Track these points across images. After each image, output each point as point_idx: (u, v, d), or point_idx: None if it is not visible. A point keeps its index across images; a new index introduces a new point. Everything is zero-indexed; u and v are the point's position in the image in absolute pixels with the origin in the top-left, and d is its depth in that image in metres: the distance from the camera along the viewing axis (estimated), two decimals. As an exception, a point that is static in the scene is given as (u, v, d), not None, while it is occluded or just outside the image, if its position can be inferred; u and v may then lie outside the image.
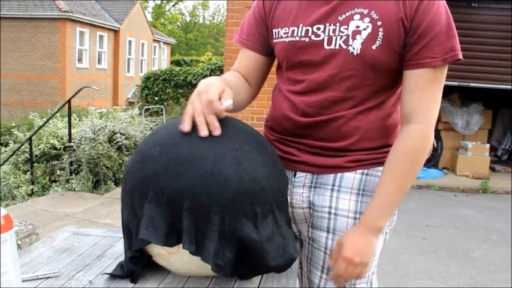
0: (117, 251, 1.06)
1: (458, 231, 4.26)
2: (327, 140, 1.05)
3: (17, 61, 14.36)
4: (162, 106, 9.97)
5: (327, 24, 0.99)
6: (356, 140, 1.03)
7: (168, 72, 11.22)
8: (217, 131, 0.86)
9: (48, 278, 0.92)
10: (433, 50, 0.94)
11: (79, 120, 6.35)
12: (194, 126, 0.88)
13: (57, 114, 6.20)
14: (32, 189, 5.34)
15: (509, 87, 6.09)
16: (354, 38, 0.96)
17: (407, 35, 0.95)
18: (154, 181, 0.83)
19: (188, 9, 40.06)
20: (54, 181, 5.43)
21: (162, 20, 35.92)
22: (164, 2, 35.68)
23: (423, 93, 0.96)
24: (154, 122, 6.52)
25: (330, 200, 1.07)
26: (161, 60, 22.59)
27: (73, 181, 5.18)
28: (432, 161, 6.74)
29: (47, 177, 5.47)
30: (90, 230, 1.21)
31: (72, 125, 5.64)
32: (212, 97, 0.86)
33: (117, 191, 5.24)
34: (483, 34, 6.01)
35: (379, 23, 0.95)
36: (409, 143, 0.97)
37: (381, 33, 0.95)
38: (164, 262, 0.90)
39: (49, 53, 14.24)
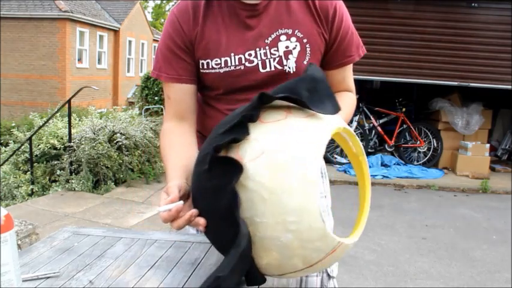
0: (117, 251, 1.06)
1: (458, 231, 4.26)
2: None
3: (17, 61, 14.35)
4: (162, 106, 9.97)
5: (257, 49, 1.05)
6: None
7: (168, 72, 11.19)
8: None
9: (48, 278, 0.92)
10: (350, 50, 1.12)
11: (79, 120, 6.35)
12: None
13: (57, 114, 6.20)
14: (32, 189, 5.34)
15: (509, 87, 6.09)
16: (287, 58, 1.05)
17: (328, 45, 1.09)
18: None
19: (188, 9, 40.03)
20: (54, 181, 5.42)
21: (162, 20, 35.93)
22: (164, 2, 35.71)
23: (349, 78, 1.18)
24: (154, 122, 6.51)
25: None
26: (161, 60, 22.55)
27: (73, 181, 5.18)
28: (432, 161, 6.75)
29: (47, 177, 5.47)
30: (90, 230, 1.21)
31: (72, 125, 5.64)
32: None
33: (117, 191, 5.24)
34: (483, 34, 6.02)
35: (305, 40, 1.06)
36: (352, 102, 1.18)
37: (308, 49, 1.06)
38: None
39: (49, 53, 14.24)
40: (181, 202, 0.84)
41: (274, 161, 0.76)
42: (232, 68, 1.05)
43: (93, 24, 15.55)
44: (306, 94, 0.81)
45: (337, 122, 0.84)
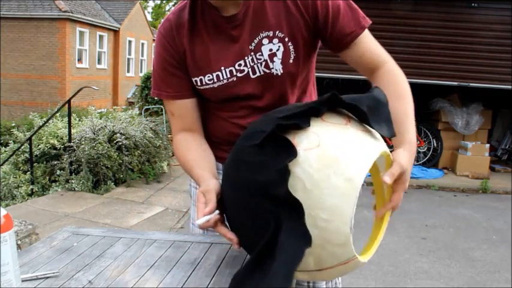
0: (116, 251, 1.06)
1: (458, 231, 4.26)
2: None
3: (17, 61, 14.36)
4: (162, 106, 9.98)
5: (246, 58, 1.05)
6: None
7: (168, 72, 11.17)
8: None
9: (47, 278, 0.92)
10: (349, 26, 1.04)
11: (79, 120, 6.35)
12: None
13: (57, 114, 6.20)
14: (32, 189, 5.34)
15: (509, 87, 6.09)
16: (272, 61, 1.04)
17: (319, 32, 1.05)
18: None
19: (188, 9, 40.00)
20: (54, 181, 5.43)
21: (162, 20, 35.93)
22: (164, 2, 35.72)
23: (370, 51, 1.08)
24: (154, 122, 6.52)
25: None
26: (161, 60, 22.56)
27: (73, 181, 5.18)
28: (432, 161, 6.74)
29: (47, 177, 5.47)
30: (90, 230, 1.21)
31: (72, 125, 5.65)
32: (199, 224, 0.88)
33: (117, 191, 5.24)
34: (483, 34, 6.01)
35: (286, 39, 1.03)
36: (395, 73, 1.09)
37: (291, 47, 1.04)
38: None
39: (49, 53, 14.24)
40: (217, 212, 0.88)
41: (327, 156, 0.77)
42: (225, 81, 1.06)
43: (93, 24, 15.55)
44: (366, 110, 0.83)
45: (386, 148, 0.87)
